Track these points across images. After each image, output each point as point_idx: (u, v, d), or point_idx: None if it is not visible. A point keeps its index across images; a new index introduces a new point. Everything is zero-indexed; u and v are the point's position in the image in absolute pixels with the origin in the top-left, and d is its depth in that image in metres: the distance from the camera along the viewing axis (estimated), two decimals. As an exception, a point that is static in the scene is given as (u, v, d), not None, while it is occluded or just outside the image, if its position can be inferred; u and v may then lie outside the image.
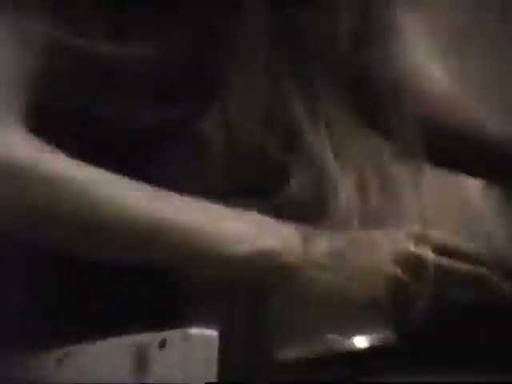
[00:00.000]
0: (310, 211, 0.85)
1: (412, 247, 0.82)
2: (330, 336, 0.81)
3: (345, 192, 0.85)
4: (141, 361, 0.80)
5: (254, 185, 0.85)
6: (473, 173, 1.20)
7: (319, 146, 0.86)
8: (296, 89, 0.87)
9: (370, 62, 0.93)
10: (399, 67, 0.95)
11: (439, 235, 0.84)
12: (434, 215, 0.90)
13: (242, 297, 0.85)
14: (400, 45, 0.96)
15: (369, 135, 0.93)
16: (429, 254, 0.81)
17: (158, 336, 0.79)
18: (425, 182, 0.94)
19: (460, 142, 1.16)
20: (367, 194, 0.87)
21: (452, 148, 1.15)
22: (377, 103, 0.94)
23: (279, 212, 0.83)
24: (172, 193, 0.82)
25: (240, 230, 0.82)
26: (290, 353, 0.81)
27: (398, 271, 0.81)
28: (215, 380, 0.75)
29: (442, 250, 0.83)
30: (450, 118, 1.16)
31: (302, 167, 0.85)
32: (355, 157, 0.89)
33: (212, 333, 0.79)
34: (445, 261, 0.82)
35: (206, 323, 0.80)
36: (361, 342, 0.81)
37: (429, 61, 1.09)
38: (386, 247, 0.83)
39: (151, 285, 0.85)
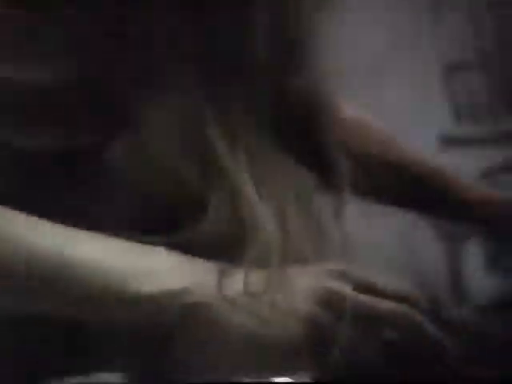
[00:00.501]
0: (227, 246, 0.80)
1: (332, 284, 0.79)
2: (246, 380, 0.77)
3: (265, 225, 0.81)
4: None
5: (164, 219, 0.81)
6: (399, 203, 1.20)
7: (238, 174, 0.82)
8: (212, 112, 0.83)
9: (290, 77, 0.89)
10: (318, 89, 0.92)
11: (361, 271, 0.81)
12: (358, 250, 0.87)
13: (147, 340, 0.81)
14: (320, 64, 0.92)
15: (291, 164, 0.89)
16: (348, 292, 0.78)
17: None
18: (349, 215, 0.90)
19: (382, 169, 1.15)
20: (289, 227, 0.83)
21: (374, 176, 1.13)
22: (299, 129, 0.90)
23: (191, 247, 0.79)
24: (74, 228, 0.79)
25: (147, 267, 0.78)
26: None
27: (317, 310, 0.78)
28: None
29: (363, 287, 0.79)
30: (370, 146, 1.15)
31: (219, 197, 0.81)
32: (277, 187, 0.85)
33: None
34: (365, 298, 0.78)
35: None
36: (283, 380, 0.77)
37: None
38: (304, 285, 0.79)
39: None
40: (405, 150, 1.24)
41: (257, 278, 0.78)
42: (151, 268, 0.78)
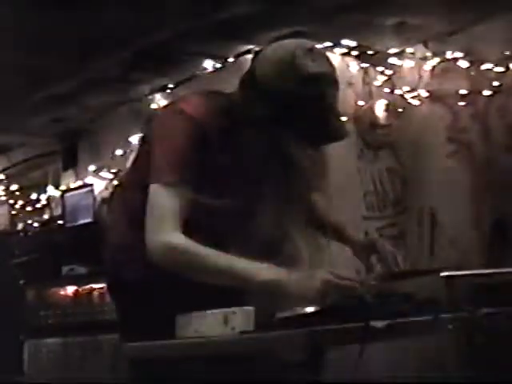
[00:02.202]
0: (292, 264, 1.73)
1: (328, 276, 1.67)
2: (297, 308, 1.64)
3: (303, 256, 1.74)
4: (225, 318, 1.66)
5: (270, 254, 1.74)
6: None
7: (297, 240, 1.76)
8: (290, 221, 1.79)
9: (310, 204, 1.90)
10: (321, 205, 1.92)
11: (337, 272, 1.70)
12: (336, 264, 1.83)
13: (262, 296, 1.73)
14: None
15: (312, 231, 1.85)
16: (333, 279, 1.66)
17: (232, 309, 1.66)
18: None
19: (340, 230, 2.13)
20: (312, 255, 1.75)
21: (336, 232, 2.11)
22: (314, 222, 1.88)
23: (279, 264, 1.71)
24: (235, 257, 1.72)
25: (261, 270, 1.69)
26: (282, 314, 1.65)
27: (321, 286, 1.64)
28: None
29: (338, 277, 1.68)
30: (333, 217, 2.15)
31: (290, 246, 1.74)
32: (308, 241, 1.79)
33: (251, 309, 1.65)
34: (338, 281, 1.67)
35: (248, 305, 1.66)
36: (310, 309, 1.61)
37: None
38: (318, 276, 1.67)
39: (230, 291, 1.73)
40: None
41: (301, 273, 1.69)
42: (263, 270, 1.69)
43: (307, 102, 1.77)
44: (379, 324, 1.48)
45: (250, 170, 1.84)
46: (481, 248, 4.19)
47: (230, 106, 1.87)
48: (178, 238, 1.75)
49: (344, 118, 1.90)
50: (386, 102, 4.85)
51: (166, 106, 2.12)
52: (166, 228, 1.75)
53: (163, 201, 1.77)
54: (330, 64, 1.84)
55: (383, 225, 4.57)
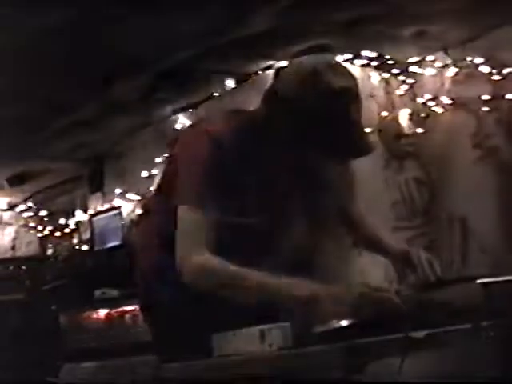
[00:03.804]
0: (324, 277, 1.71)
1: (364, 289, 1.65)
2: (333, 322, 1.64)
3: (335, 269, 1.73)
4: (262, 335, 1.63)
5: (301, 269, 1.72)
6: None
7: (327, 251, 1.74)
8: (320, 235, 1.78)
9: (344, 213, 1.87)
10: (358, 217, 1.91)
11: (372, 284, 1.71)
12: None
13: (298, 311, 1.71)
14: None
15: (345, 243, 1.84)
16: (370, 291, 1.64)
17: (268, 326, 1.62)
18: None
19: (376, 241, 2.09)
20: (344, 267, 1.75)
21: (372, 243, 2.07)
22: (351, 234, 1.87)
23: (312, 278, 1.69)
24: (268, 274, 1.69)
25: (298, 285, 1.67)
26: (319, 328, 1.63)
27: (360, 299, 1.61)
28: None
29: (374, 289, 1.66)
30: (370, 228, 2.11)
31: (321, 260, 1.73)
32: (339, 253, 1.77)
33: (287, 324, 1.62)
34: (376, 293, 1.64)
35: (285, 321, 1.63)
36: (344, 323, 1.61)
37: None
38: (355, 289, 1.65)
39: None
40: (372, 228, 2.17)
41: (338, 288, 1.67)
42: (295, 286, 1.66)
43: (331, 118, 1.75)
44: (419, 334, 1.46)
45: (276, 187, 1.84)
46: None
47: (254, 124, 1.86)
48: (211, 259, 1.74)
49: (368, 130, 1.88)
50: (409, 111, 4.83)
51: (189, 127, 2.12)
52: (197, 249, 1.75)
53: (192, 222, 1.77)
54: (353, 78, 1.82)
55: (413, 235, 4.53)
